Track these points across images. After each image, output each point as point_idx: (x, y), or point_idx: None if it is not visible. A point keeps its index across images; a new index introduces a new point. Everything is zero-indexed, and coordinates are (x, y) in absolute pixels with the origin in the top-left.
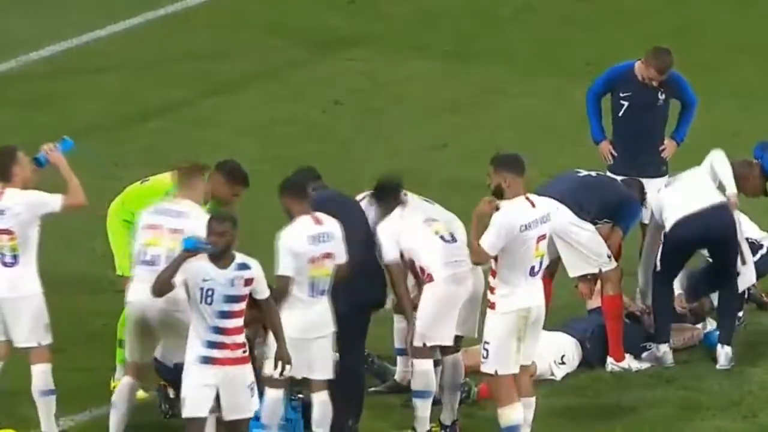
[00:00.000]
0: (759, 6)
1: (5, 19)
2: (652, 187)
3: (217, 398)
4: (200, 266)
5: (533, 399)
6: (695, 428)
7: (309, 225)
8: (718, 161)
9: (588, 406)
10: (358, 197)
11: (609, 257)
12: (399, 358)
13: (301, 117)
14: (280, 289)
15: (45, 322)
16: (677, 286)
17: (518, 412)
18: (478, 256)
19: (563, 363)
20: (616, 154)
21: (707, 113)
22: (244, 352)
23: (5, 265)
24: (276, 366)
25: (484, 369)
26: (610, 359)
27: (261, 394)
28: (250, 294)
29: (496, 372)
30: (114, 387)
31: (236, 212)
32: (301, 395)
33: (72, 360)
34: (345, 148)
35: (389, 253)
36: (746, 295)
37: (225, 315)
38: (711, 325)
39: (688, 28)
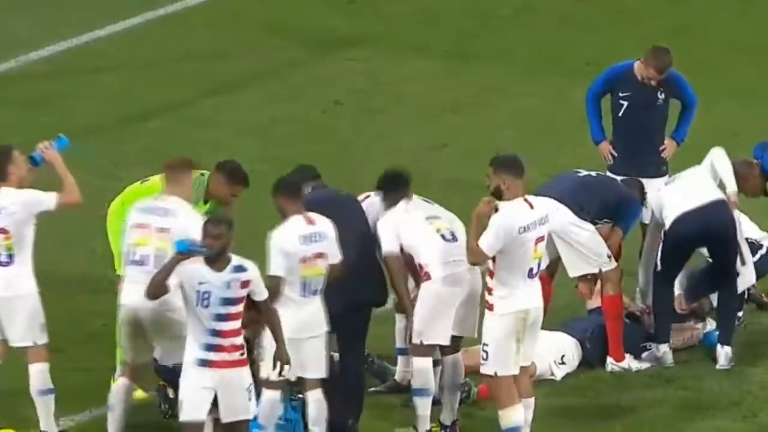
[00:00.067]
0: (759, 6)
1: (5, 19)
2: (652, 187)
3: (215, 400)
4: (196, 269)
5: (533, 400)
6: (695, 428)
7: (301, 225)
8: (718, 159)
9: (588, 406)
10: (360, 197)
11: (609, 257)
12: (399, 358)
13: (301, 117)
14: (272, 288)
15: (41, 321)
16: (677, 287)
17: (519, 413)
18: (476, 257)
19: (563, 363)
20: (616, 155)
21: (707, 113)
22: (242, 354)
23: (0, 264)
24: (275, 366)
25: (483, 370)
26: (610, 359)
27: (259, 396)
28: (249, 295)
29: (495, 373)
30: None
31: (234, 213)
32: (301, 395)
33: (72, 360)
34: (345, 148)
35: (388, 245)
36: (746, 296)
37: (222, 318)
38: (711, 325)
39: (688, 28)
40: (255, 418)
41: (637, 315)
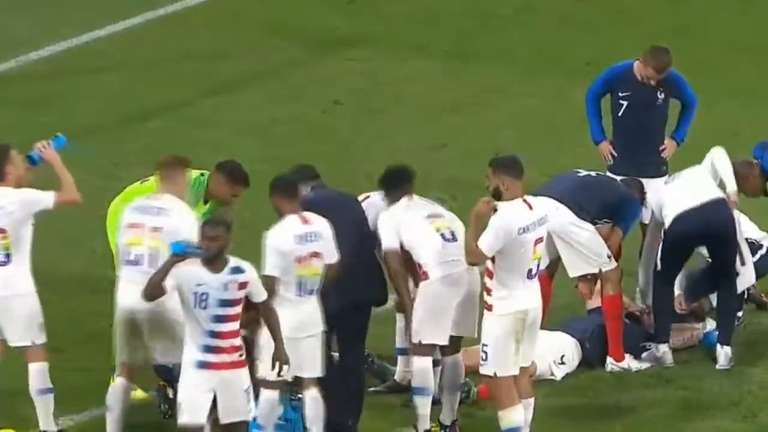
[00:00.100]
0: (759, 6)
1: (5, 19)
2: (652, 187)
3: (214, 401)
4: (193, 271)
5: (532, 400)
6: (695, 428)
7: (296, 224)
8: (718, 159)
9: (588, 406)
10: (360, 197)
11: (609, 257)
12: (399, 358)
13: (301, 117)
14: (267, 288)
15: (39, 321)
16: (676, 287)
17: (519, 413)
18: (475, 257)
19: (563, 363)
20: (616, 155)
21: (707, 113)
22: (240, 355)
23: None
24: (274, 367)
25: (483, 371)
26: (609, 359)
27: (257, 396)
28: (248, 296)
29: (495, 374)
30: None
31: (234, 213)
32: (300, 395)
33: (72, 360)
34: (345, 148)
35: (388, 242)
36: (746, 296)
37: (220, 319)
38: (711, 325)
39: (688, 28)
40: (254, 419)
41: (637, 315)
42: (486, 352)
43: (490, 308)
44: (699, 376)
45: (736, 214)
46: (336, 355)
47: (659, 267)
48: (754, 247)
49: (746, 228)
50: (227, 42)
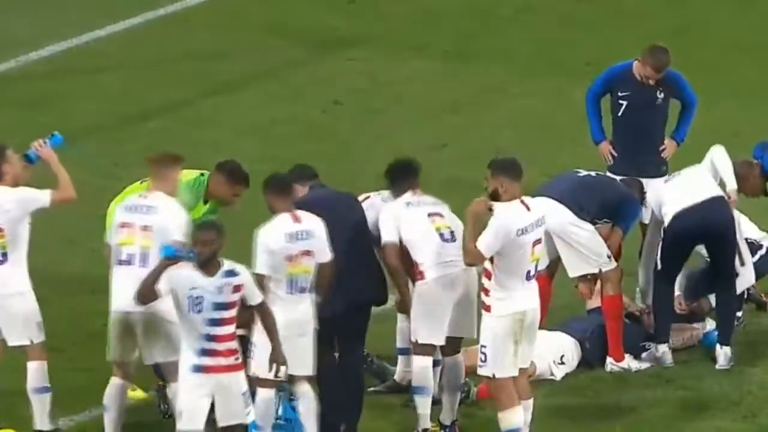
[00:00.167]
0: (759, 6)
1: (5, 19)
2: (652, 187)
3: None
4: (187, 275)
5: (531, 401)
6: (695, 428)
7: (287, 223)
8: (718, 158)
9: (588, 406)
10: (360, 198)
11: (609, 257)
12: (400, 358)
13: (301, 117)
14: (258, 286)
15: (37, 320)
16: (676, 287)
17: (519, 414)
18: (473, 258)
19: (563, 363)
20: (616, 155)
21: (707, 113)
22: (237, 359)
23: None
24: (271, 368)
25: (481, 372)
26: (609, 359)
27: (253, 395)
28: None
29: (493, 375)
30: None
31: (235, 213)
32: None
33: (72, 360)
34: (345, 148)
35: (388, 236)
36: (746, 296)
37: (215, 322)
38: (710, 325)
39: (688, 28)
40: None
41: (637, 315)
42: (485, 354)
43: (488, 309)
44: (699, 376)
45: (736, 214)
46: (336, 355)
47: (659, 266)
48: (754, 247)
49: (746, 228)
50: (227, 42)
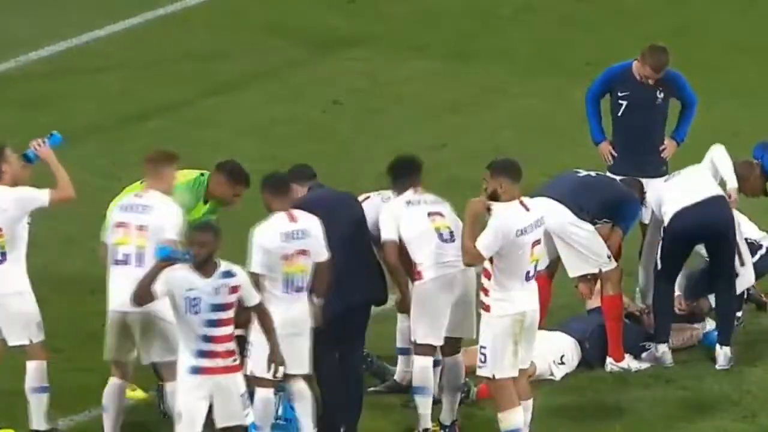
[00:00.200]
0: (759, 6)
1: (5, 19)
2: (652, 186)
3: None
4: (183, 276)
5: (531, 401)
6: (695, 428)
7: (283, 222)
8: (718, 157)
9: (587, 406)
10: (360, 198)
11: (609, 257)
12: (399, 358)
13: (301, 117)
14: (254, 286)
15: (37, 320)
16: (676, 288)
17: (519, 415)
18: (472, 258)
19: (562, 363)
20: (616, 155)
21: (707, 113)
22: (234, 360)
23: None
24: (269, 368)
25: (481, 373)
26: (609, 359)
27: (251, 394)
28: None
29: (493, 376)
30: None
31: (236, 213)
32: None
33: (72, 360)
34: (345, 148)
35: (387, 233)
36: (746, 296)
37: (213, 323)
38: (710, 325)
39: (688, 28)
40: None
41: (637, 315)
42: (484, 354)
43: (487, 309)
44: (699, 376)
45: (736, 214)
46: (336, 355)
47: (659, 266)
48: (754, 247)
49: (746, 228)
50: (227, 42)
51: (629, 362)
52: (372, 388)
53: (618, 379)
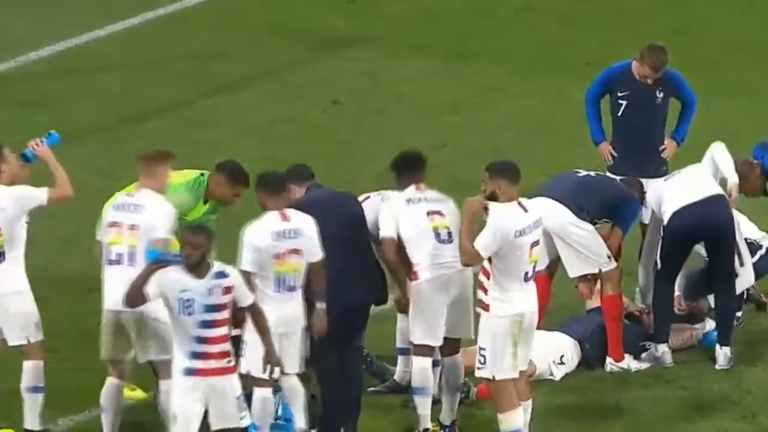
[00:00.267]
0: (759, 6)
1: (5, 19)
2: (652, 186)
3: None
4: (176, 278)
5: (530, 402)
6: (695, 428)
7: (275, 221)
8: (719, 154)
9: (587, 406)
10: (360, 198)
11: (609, 257)
12: (399, 358)
13: (301, 117)
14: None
15: (35, 319)
16: (675, 288)
17: (519, 416)
18: (470, 258)
19: (562, 363)
20: (616, 155)
21: (707, 113)
22: (229, 361)
23: None
24: (264, 369)
25: (481, 374)
26: (609, 359)
27: (248, 395)
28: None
29: (493, 377)
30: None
31: (236, 212)
32: None
33: (71, 360)
34: (345, 148)
35: (386, 230)
36: (745, 296)
37: (206, 324)
38: (710, 325)
39: (688, 28)
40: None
41: (637, 315)
42: (484, 356)
43: (486, 308)
44: (699, 376)
45: (736, 214)
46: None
47: (659, 265)
48: (754, 247)
49: (746, 228)
50: (227, 42)
51: (629, 362)
52: (372, 388)
53: (618, 379)
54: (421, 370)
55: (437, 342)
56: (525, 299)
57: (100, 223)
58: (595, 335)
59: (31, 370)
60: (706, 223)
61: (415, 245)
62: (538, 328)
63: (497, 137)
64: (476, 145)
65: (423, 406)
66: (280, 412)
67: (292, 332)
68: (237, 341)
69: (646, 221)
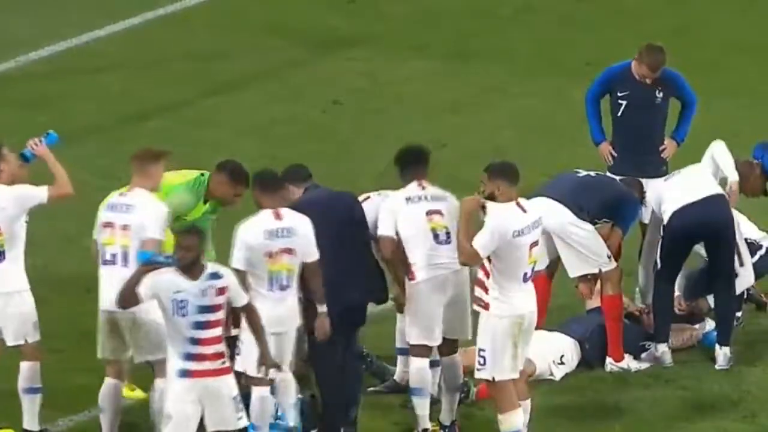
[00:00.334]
0: (759, 6)
1: (5, 19)
2: (652, 186)
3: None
4: (169, 279)
5: (529, 402)
6: (695, 428)
7: (268, 219)
8: (719, 152)
9: (587, 406)
10: (360, 198)
11: (609, 257)
12: (399, 358)
13: (301, 117)
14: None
15: (33, 319)
16: (675, 288)
17: (519, 416)
18: (468, 257)
19: (562, 363)
20: (616, 155)
21: (707, 113)
22: (224, 363)
23: None
24: (259, 369)
25: (480, 376)
26: (609, 359)
27: (246, 396)
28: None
29: (493, 378)
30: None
31: (237, 212)
32: (300, 395)
33: (71, 360)
34: (345, 148)
35: (385, 228)
36: (745, 296)
37: (201, 326)
38: (710, 325)
39: (688, 28)
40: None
41: (637, 315)
42: (484, 357)
43: (486, 307)
44: (698, 376)
45: (736, 214)
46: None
47: (659, 265)
48: (754, 247)
49: (746, 228)
50: (227, 42)
51: (629, 362)
52: (372, 388)
53: (618, 379)
54: (418, 370)
55: (434, 342)
56: (525, 300)
57: (96, 223)
58: (595, 335)
59: (27, 371)
60: (706, 223)
61: (414, 245)
62: (538, 328)
63: (497, 137)
64: (476, 145)
65: (421, 406)
66: (281, 411)
67: (285, 331)
68: (234, 341)
69: (646, 221)
